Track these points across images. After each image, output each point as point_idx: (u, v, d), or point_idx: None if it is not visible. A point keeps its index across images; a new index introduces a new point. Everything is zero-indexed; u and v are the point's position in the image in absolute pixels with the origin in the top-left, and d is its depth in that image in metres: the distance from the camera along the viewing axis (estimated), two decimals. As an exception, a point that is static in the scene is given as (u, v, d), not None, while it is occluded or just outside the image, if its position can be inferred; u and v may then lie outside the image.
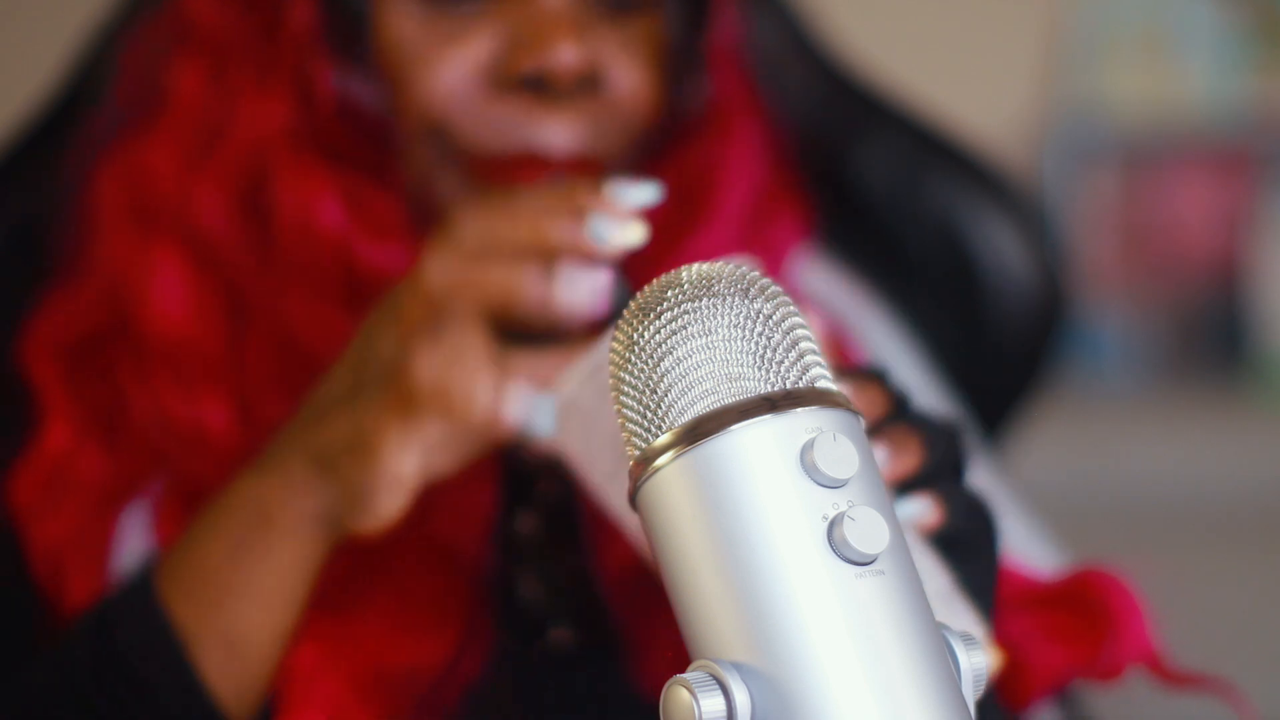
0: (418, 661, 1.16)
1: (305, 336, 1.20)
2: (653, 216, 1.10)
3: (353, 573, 1.15)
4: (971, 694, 0.78)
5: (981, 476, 1.32)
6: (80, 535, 1.20)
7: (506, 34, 1.18)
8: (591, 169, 1.19)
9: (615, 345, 0.80)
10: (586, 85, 1.19)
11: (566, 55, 1.17)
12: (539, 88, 1.18)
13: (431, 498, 1.12)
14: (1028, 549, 1.29)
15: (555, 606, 1.20)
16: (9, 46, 2.53)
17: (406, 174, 1.22)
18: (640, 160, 1.23)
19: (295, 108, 1.22)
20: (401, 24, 1.19)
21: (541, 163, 1.19)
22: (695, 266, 0.80)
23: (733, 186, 1.27)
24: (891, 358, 1.33)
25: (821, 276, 1.36)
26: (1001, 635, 1.10)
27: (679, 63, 1.25)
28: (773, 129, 1.34)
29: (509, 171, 1.19)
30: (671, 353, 0.78)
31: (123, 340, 1.22)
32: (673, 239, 1.21)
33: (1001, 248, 1.51)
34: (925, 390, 1.33)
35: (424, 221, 1.21)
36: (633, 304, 0.80)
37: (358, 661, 1.14)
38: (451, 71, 1.19)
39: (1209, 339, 3.11)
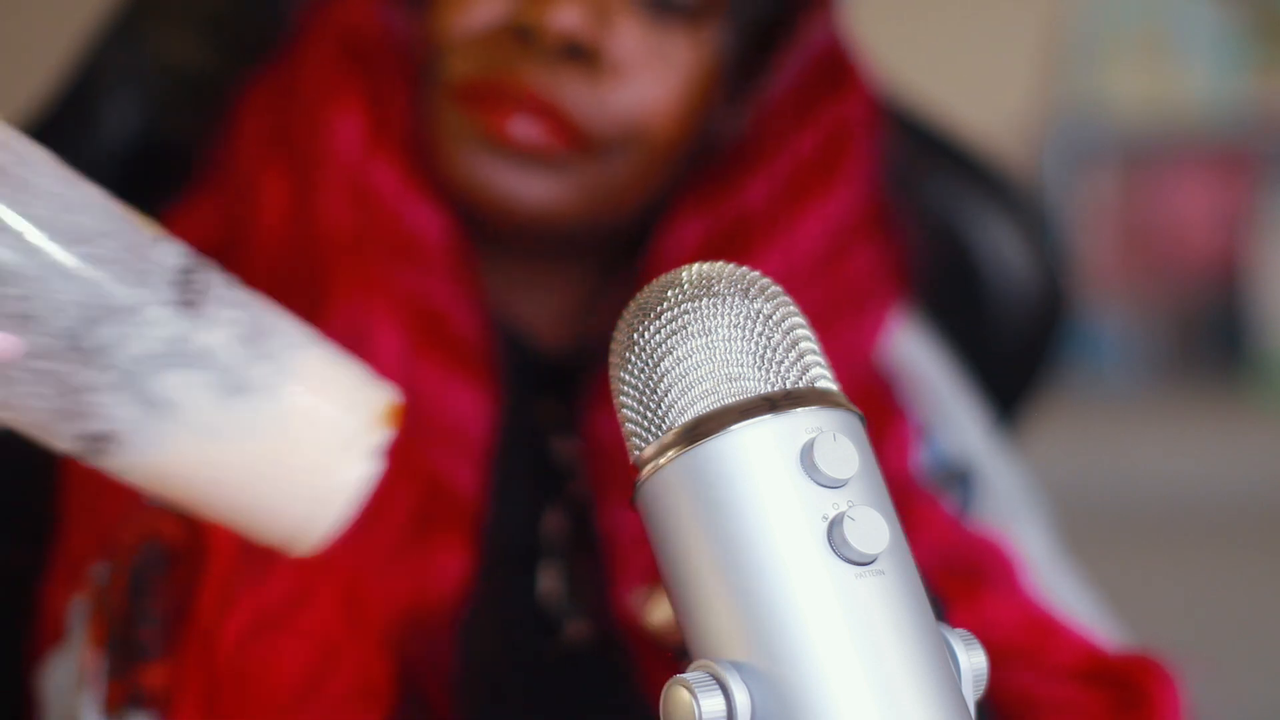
0: (406, 590, 1.16)
1: (323, 250, 1.21)
2: (701, 237, 1.10)
3: None
4: (971, 694, 0.78)
5: (1004, 495, 1.32)
6: None
7: None
8: (566, 126, 1.20)
9: (615, 345, 0.80)
10: (576, 53, 1.19)
11: (562, 16, 1.18)
12: (525, 37, 1.19)
13: (422, 422, 1.12)
14: (1054, 578, 1.29)
15: (574, 604, 1.21)
16: (9, 46, 2.53)
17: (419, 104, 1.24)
18: (691, 180, 1.25)
19: (349, 17, 1.25)
20: None
21: (513, 92, 1.20)
22: (695, 266, 0.80)
23: (783, 247, 1.27)
24: (959, 422, 1.34)
25: (912, 338, 1.36)
26: (1043, 702, 1.11)
27: (735, 86, 1.25)
28: (875, 181, 1.32)
29: (484, 100, 1.20)
30: (671, 353, 0.78)
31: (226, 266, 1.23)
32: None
33: (1001, 248, 1.51)
34: (983, 456, 1.34)
35: (425, 151, 1.23)
36: (632, 304, 0.80)
37: (345, 588, 1.14)
38: (469, 11, 1.21)
39: (1209, 339, 3.11)
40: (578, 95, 1.20)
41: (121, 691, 1.10)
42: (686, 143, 1.24)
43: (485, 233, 1.24)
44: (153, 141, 1.36)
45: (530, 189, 1.21)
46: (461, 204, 1.23)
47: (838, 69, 1.30)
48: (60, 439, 0.82)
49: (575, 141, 1.20)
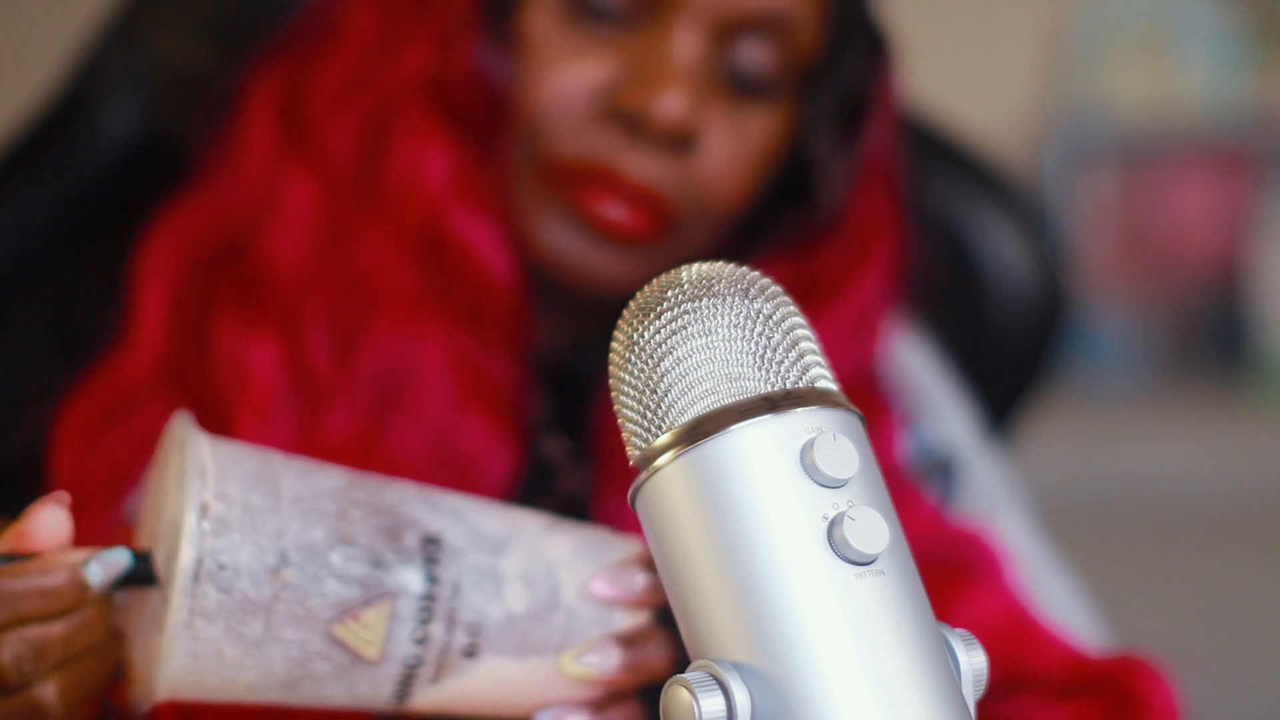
0: None
1: (368, 282, 1.21)
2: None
3: None
4: (971, 694, 0.78)
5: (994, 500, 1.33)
6: (108, 477, 1.18)
7: (627, 66, 1.19)
8: (660, 212, 1.20)
9: (615, 345, 0.80)
10: (678, 143, 1.20)
11: (670, 105, 1.18)
12: (632, 126, 1.19)
13: (449, 467, 1.12)
14: (1045, 583, 1.29)
15: None
16: (10, 46, 2.53)
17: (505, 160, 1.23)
18: (745, 246, 1.25)
19: (434, 63, 1.23)
20: (542, 20, 1.21)
21: (614, 181, 1.20)
22: (695, 266, 0.80)
23: (853, 302, 1.28)
24: (944, 414, 1.36)
25: (910, 347, 1.37)
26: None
27: (808, 164, 1.26)
28: (907, 240, 1.33)
29: (580, 183, 1.20)
30: (671, 353, 0.78)
31: (233, 267, 1.22)
32: None
33: (1001, 248, 1.51)
34: (966, 448, 1.34)
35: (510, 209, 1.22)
36: (632, 304, 0.80)
37: None
38: (565, 82, 1.20)
39: (1209, 339, 3.11)
40: (672, 180, 1.20)
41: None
42: (746, 208, 1.25)
43: (545, 281, 1.25)
44: (153, 141, 1.36)
45: (610, 268, 1.22)
46: (532, 262, 1.23)
47: (896, 128, 1.31)
48: None
49: (661, 225, 1.21)
